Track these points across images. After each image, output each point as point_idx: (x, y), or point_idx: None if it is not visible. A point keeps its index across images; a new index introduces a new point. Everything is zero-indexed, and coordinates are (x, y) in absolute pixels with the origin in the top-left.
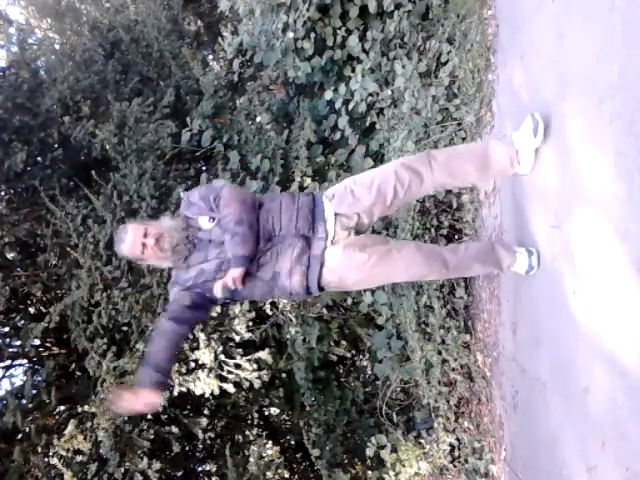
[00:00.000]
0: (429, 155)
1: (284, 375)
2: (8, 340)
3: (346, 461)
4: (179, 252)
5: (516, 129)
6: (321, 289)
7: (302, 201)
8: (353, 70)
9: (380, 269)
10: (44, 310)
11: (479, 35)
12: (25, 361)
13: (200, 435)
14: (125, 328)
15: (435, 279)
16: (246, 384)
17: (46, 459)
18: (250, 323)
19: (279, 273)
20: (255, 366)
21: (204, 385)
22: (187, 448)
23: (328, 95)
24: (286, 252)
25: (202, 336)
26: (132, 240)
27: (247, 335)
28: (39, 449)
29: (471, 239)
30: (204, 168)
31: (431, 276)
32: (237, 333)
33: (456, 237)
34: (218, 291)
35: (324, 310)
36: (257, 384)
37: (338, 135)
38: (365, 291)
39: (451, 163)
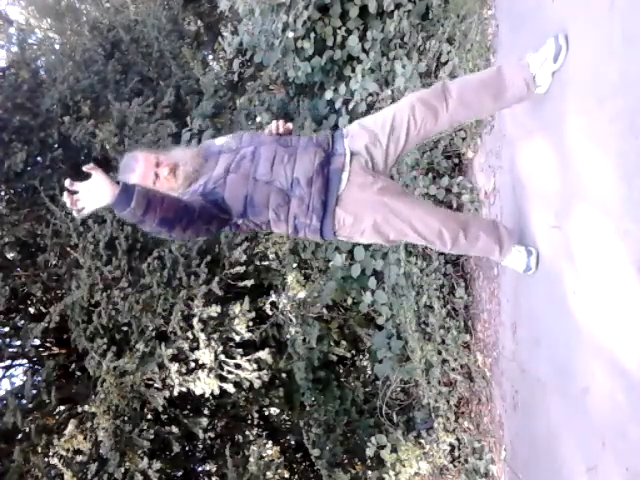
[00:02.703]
0: (444, 89)
1: (284, 375)
2: (8, 340)
3: (346, 461)
4: (191, 181)
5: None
6: (333, 234)
7: (320, 133)
8: (353, 70)
9: (397, 213)
10: (44, 310)
11: (479, 35)
12: (25, 361)
13: (200, 435)
14: (125, 328)
15: (445, 241)
16: (246, 384)
17: (46, 459)
18: (250, 323)
19: (298, 180)
20: (255, 366)
21: (204, 385)
22: (187, 448)
23: (328, 95)
24: (306, 158)
25: (202, 336)
26: (143, 170)
27: (247, 335)
28: (39, 449)
29: None
30: None
31: (445, 234)
32: (237, 333)
33: None
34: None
35: (324, 310)
36: (257, 384)
37: None
38: (365, 291)
39: (466, 96)
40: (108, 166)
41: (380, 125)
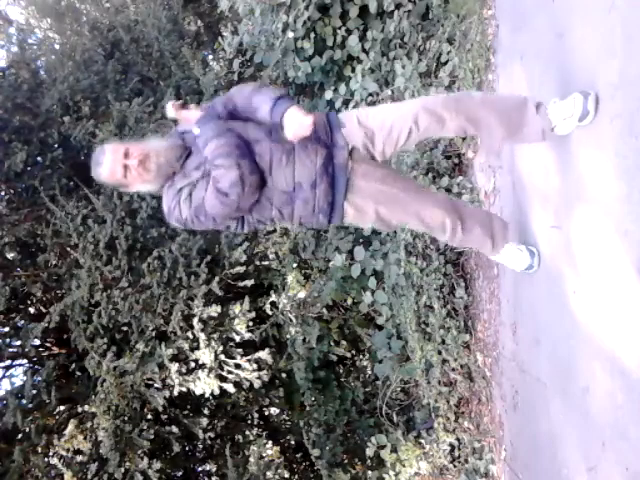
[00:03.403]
0: (458, 102)
1: (284, 375)
2: (8, 340)
3: (346, 461)
4: (167, 173)
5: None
6: (341, 221)
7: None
8: (353, 70)
9: (401, 203)
10: (44, 310)
11: (479, 35)
12: (25, 361)
13: (200, 435)
14: (125, 328)
15: (445, 230)
16: (246, 384)
17: (46, 459)
18: (250, 323)
19: (301, 184)
20: (255, 366)
21: (204, 385)
22: (187, 448)
23: (328, 95)
24: (307, 160)
25: (202, 336)
26: (111, 162)
27: (247, 335)
28: (39, 449)
29: None
30: None
31: (447, 224)
32: (237, 333)
33: None
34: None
35: (324, 310)
36: (257, 384)
37: None
38: (365, 291)
39: (479, 117)
40: None
41: (379, 126)
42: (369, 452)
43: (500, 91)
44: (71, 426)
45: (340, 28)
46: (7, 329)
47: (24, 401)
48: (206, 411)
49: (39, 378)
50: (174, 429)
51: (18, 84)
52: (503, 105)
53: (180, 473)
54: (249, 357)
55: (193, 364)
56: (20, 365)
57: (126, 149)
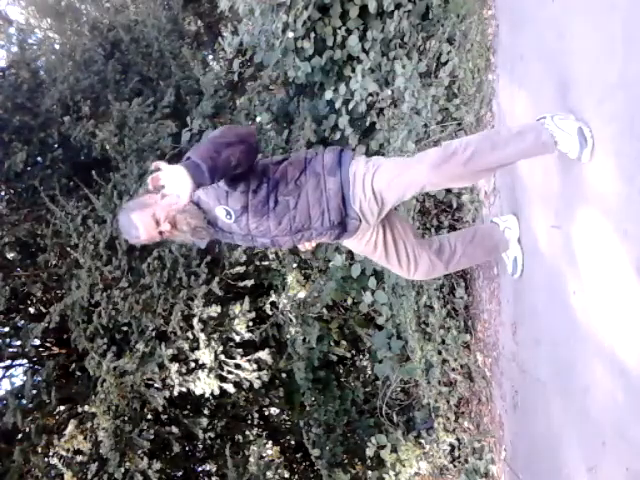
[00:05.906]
0: (454, 173)
1: (284, 375)
2: (8, 340)
3: (346, 461)
4: (200, 234)
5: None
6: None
7: (330, 188)
8: (353, 70)
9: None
10: (44, 310)
11: (479, 35)
12: (25, 361)
13: (200, 435)
14: (125, 328)
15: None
16: (246, 384)
17: (46, 459)
18: (250, 323)
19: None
20: (255, 366)
21: (204, 385)
22: (187, 448)
23: (328, 95)
24: (323, 238)
25: (202, 336)
26: (146, 234)
27: (247, 335)
28: (39, 449)
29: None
30: None
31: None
32: (237, 333)
33: None
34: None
35: (324, 310)
36: (257, 384)
37: (338, 135)
38: (365, 291)
39: (475, 173)
40: (108, 166)
41: (385, 201)
42: (369, 452)
43: (498, 93)
44: (71, 426)
45: (340, 28)
46: (7, 329)
47: (24, 401)
48: (206, 411)
49: (39, 378)
50: (174, 429)
51: (18, 84)
52: (504, 156)
53: (180, 473)
54: (249, 357)
55: (193, 364)
56: (20, 365)
57: (154, 216)
